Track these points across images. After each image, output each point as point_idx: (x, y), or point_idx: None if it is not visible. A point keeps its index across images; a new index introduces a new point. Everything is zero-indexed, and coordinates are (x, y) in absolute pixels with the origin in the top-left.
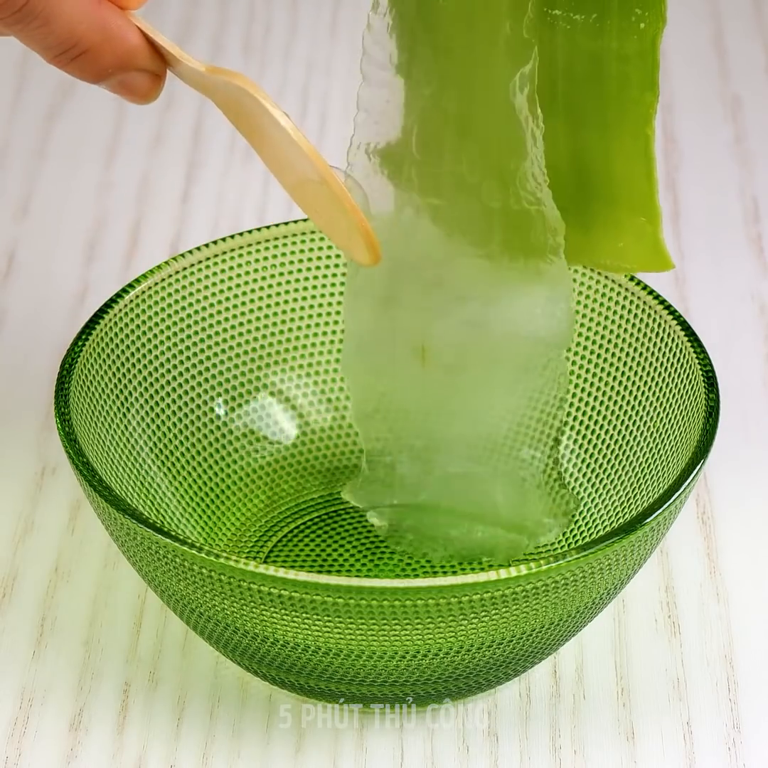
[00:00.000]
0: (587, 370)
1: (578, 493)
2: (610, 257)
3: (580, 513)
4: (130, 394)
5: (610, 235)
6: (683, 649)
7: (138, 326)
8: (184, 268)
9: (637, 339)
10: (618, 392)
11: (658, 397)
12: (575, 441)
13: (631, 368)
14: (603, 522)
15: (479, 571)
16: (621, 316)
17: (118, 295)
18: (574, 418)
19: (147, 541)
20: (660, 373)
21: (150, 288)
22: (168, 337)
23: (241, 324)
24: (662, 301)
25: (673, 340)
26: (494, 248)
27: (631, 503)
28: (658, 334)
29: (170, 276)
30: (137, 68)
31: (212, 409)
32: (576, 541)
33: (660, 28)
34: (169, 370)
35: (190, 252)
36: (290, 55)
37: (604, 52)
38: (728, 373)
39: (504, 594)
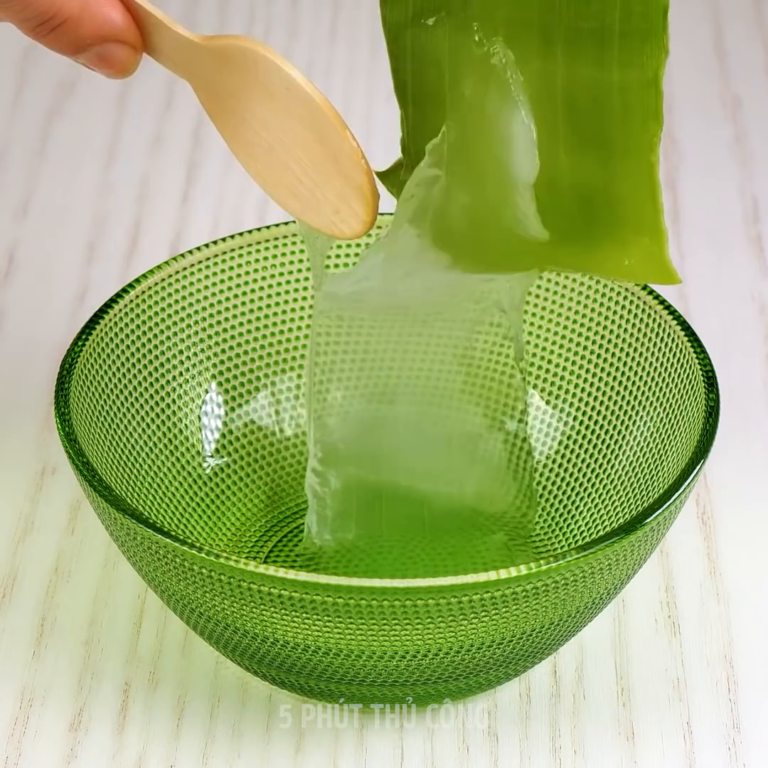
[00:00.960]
0: (587, 370)
1: (578, 493)
2: (615, 274)
3: (580, 512)
4: (130, 394)
5: (615, 254)
6: (683, 649)
7: (138, 326)
8: (184, 268)
9: (637, 339)
10: (618, 392)
11: (658, 397)
12: (575, 441)
13: (631, 368)
14: (603, 522)
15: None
16: (621, 316)
17: (118, 295)
18: (574, 418)
19: (147, 541)
20: (660, 373)
21: (150, 288)
22: (168, 337)
23: (241, 324)
24: (662, 301)
25: (673, 340)
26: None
27: (631, 503)
28: (658, 334)
29: (170, 276)
30: (116, 40)
31: (212, 409)
32: (576, 541)
33: (662, 60)
34: (169, 370)
35: (190, 252)
36: (290, 55)
37: (605, 83)
38: (728, 373)
39: (504, 594)
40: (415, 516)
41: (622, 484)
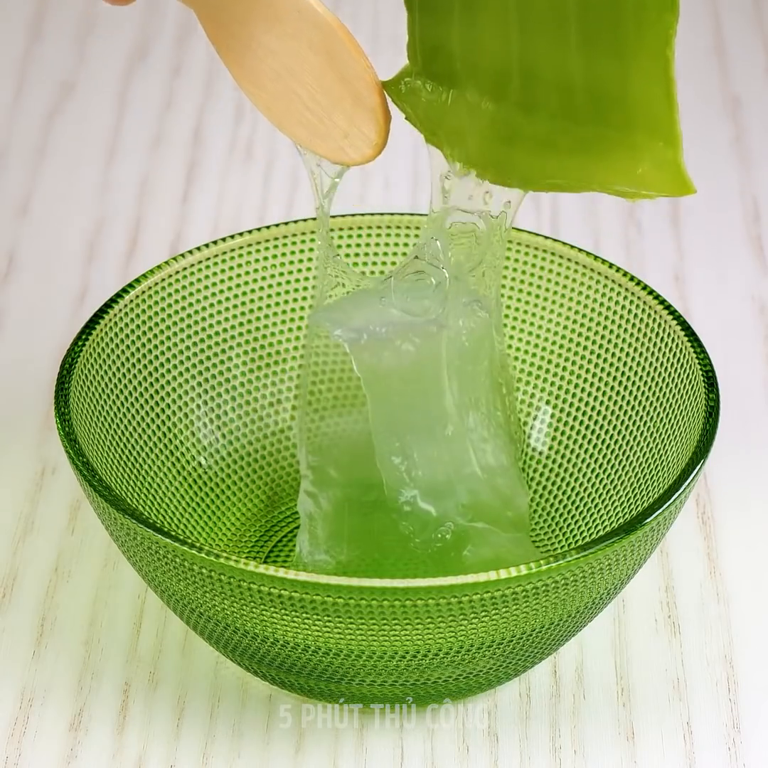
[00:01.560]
0: (587, 370)
1: (578, 493)
2: (628, 183)
3: (580, 512)
4: (130, 394)
5: (627, 161)
6: (683, 649)
7: (138, 326)
8: (184, 268)
9: (637, 339)
10: (618, 392)
11: (658, 397)
12: (575, 441)
13: (631, 368)
14: (603, 522)
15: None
16: (621, 316)
17: (118, 295)
18: (574, 418)
19: (147, 541)
20: (660, 373)
21: (150, 288)
22: (168, 337)
23: (241, 324)
24: (662, 301)
25: (673, 340)
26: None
27: (631, 503)
28: (658, 334)
29: (170, 276)
30: None
31: (212, 409)
32: (576, 541)
33: None
34: (169, 370)
35: (190, 252)
36: None
37: None
38: (728, 373)
39: (504, 594)
40: (409, 538)
41: (622, 484)
